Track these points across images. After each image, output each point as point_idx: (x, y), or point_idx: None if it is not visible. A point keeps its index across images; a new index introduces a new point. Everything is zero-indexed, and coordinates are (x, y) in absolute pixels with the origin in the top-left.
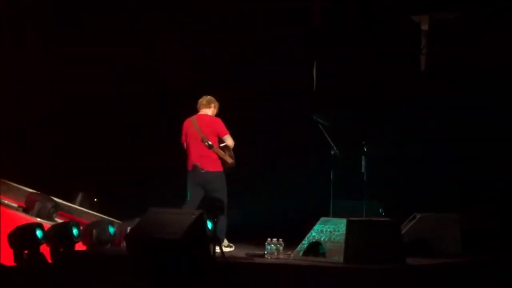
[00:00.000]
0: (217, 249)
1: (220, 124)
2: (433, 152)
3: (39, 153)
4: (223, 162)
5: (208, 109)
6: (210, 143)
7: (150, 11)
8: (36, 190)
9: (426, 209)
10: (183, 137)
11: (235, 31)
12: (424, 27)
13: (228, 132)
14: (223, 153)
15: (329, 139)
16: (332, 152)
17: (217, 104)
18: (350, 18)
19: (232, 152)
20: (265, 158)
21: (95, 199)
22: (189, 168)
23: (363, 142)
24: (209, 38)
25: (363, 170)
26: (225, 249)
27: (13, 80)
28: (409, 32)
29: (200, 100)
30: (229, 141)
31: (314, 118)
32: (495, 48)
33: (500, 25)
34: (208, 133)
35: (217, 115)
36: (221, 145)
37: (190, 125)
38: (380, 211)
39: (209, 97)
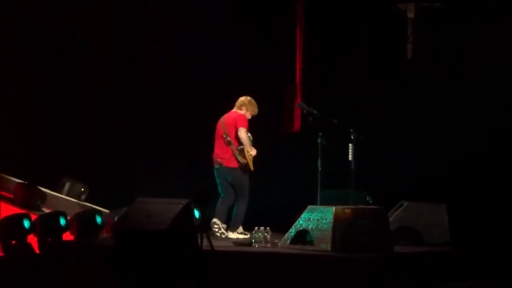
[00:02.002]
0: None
1: (240, 118)
2: (420, 139)
3: (26, 141)
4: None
5: (239, 110)
6: (229, 139)
7: None
8: (23, 180)
9: (413, 198)
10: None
11: None
12: (410, 15)
13: (244, 126)
14: (237, 152)
15: (315, 127)
16: (318, 140)
17: (250, 107)
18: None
19: (247, 153)
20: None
21: (82, 189)
22: (213, 163)
23: (350, 130)
24: None
25: (350, 158)
26: (239, 236)
27: None
28: (395, 20)
29: (238, 100)
30: (240, 133)
31: (299, 106)
32: (480, 37)
33: (486, 14)
34: (229, 129)
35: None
36: (239, 147)
37: (219, 122)
38: (368, 199)
39: (243, 98)
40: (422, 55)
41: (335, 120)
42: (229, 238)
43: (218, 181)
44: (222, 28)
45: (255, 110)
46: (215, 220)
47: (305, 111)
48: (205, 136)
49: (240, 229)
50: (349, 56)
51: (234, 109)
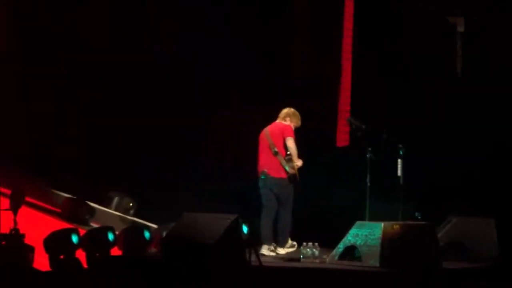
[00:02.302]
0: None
1: (287, 128)
2: (469, 155)
3: (75, 155)
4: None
5: (284, 121)
6: (276, 149)
7: None
8: (72, 195)
9: (462, 213)
10: (258, 145)
11: None
12: (460, 29)
13: (292, 135)
14: (284, 162)
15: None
16: (367, 155)
17: (294, 119)
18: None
19: (294, 163)
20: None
21: (131, 204)
22: (258, 174)
23: (399, 145)
24: None
25: (399, 173)
26: (289, 250)
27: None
28: (445, 34)
29: (282, 111)
30: (289, 142)
31: (349, 120)
32: None
33: None
34: (276, 140)
35: (297, 128)
36: (287, 157)
37: (263, 132)
38: (416, 214)
39: (287, 110)
40: (472, 69)
41: (384, 135)
42: (280, 254)
43: (262, 191)
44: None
45: (298, 122)
46: (263, 251)
47: (354, 126)
48: (250, 150)
49: (289, 241)
50: (399, 71)
51: (278, 120)
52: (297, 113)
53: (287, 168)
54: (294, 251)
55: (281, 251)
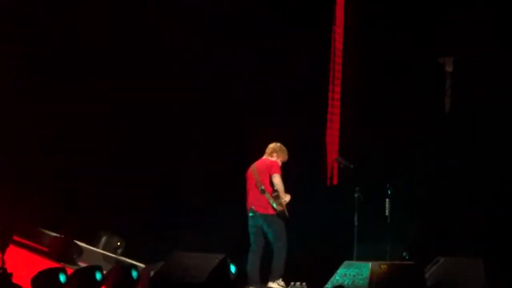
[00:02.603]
0: None
1: (273, 164)
2: (456, 194)
3: (61, 194)
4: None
5: (270, 157)
6: (262, 187)
7: None
8: (59, 234)
9: (450, 253)
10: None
11: None
12: (449, 69)
13: (278, 172)
14: (272, 199)
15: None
16: (355, 194)
17: (281, 154)
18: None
19: (281, 200)
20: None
21: (119, 242)
22: (247, 211)
23: (387, 185)
24: None
25: (387, 213)
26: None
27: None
28: (433, 74)
29: (268, 146)
30: (275, 179)
31: (336, 160)
32: None
33: None
34: (262, 177)
35: (284, 163)
36: (274, 194)
37: (250, 169)
38: (404, 254)
39: (273, 145)
40: (460, 108)
41: (372, 174)
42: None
43: (251, 230)
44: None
45: (285, 156)
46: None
47: (342, 165)
48: (241, 185)
49: (280, 281)
50: (388, 109)
51: (265, 156)
52: (283, 147)
53: (274, 205)
54: None
55: (272, 285)
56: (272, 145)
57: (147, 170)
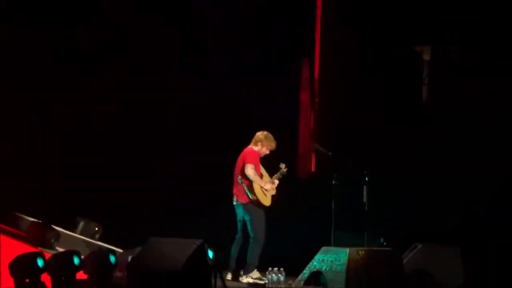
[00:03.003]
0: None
1: (249, 154)
2: (434, 181)
3: (39, 179)
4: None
5: (255, 146)
6: (239, 177)
7: None
8: (37, 219)
9: (427, 240)
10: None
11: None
12: (426, 57)
13: (252, 162)
14: (245, 188)
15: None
16: (333, 182)
17: (267, 143)
18: (352, 50)
19: (256, 189)
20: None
21: (96, 228)
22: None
23: (365, 172)
24: None
25: (364, 200)
26: (252, 281)
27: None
28: (411, 63)
29: (255, 135)
30: (247, 170)
31: (315, 147)
32: (497, 79)
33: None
34: (240, 165)
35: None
36: (250, 182)
37: (238, 158)
38: (382, 241)
39: (259, 134)
40: (437, 97)
41: (349, 161)
42: (241, 282)
43: (237, 218)
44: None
45: (272, 144)
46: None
47: (319, 152)
48: (222, 172)
49: (255, 273)
50: (364, 97)
51: (250, 145)
52: (270, 136)
53: (249, 194)
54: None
55: (244, 279)
56: (258, 134)
57: (127, 154)
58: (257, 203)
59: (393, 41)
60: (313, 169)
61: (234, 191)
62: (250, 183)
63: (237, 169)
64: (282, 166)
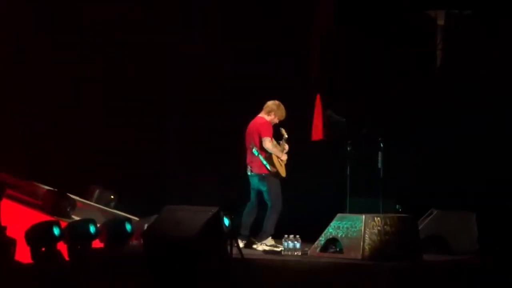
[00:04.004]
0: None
1: (263, 126)
2: (449, 147)
3: (56, 148)
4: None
5: (266, 115)
6: (255, 148)
7: None
8: (53, 187)
9: (443, 206)
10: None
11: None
12: (440, 22)
13: (268, 135)
14: (263, 161)
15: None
16: (348, 148)
17: (279, 112)
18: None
19: (274, 160)
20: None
21: (112, 196)
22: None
23: (379, 138)
24: None
25: (379, 166)
26: (266, 248)
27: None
28: (424, 27)
29: (266, 103)
30: (265, 143)
31: (329, 113)
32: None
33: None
34: (254, 137)
35: (282, 122)
36: (267, 155)
37: (248, 128)
38: (397, 207)
39: (271, 103)
40: (451, 62)
41: (364, 128)
42: (256, 249)
43: (251, 187)
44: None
45: (283, 115)
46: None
47: (333, 119)
48: (233, 140)
49: (270, 240)
50: (378, 63)
51: (262, 114)
52: (281, 106)
53: (268, 166)
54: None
55: (259, 246)
56: (270, 103)
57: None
58: (275, 174)
59: (407, 6)
60: (327, 135)
61: (248, 161)
62: (268, 155)
63: (249, 139)
64: (283, 131)
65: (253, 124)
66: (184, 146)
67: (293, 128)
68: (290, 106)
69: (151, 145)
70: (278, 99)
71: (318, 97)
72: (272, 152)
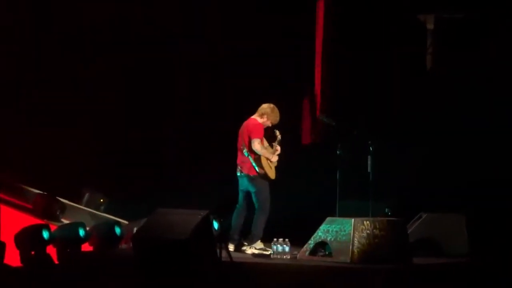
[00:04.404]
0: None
1: (255, 127)
2: (438, 151)
3: (45, 152)
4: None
5: (259, 117)
6: (245, 149)
7: None
8: (43, 191)
9: (432, 209)
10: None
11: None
12: (430, 26)
13: (258, 136)
14: (252, 162)
15: (334, 138)
16: (338, 152)
17: (272, 116)
18: (356, 19)
19: (264, 162)
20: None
21: (102, 199)
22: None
23: (369, 142)
24: None
25: (369, 170)
26: (256, 252)
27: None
28: (415, 31)
29: (261, 106)
30: (254, 145)
31: (320, 118)
32: (498, 49)
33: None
34: (245, 138)
35: (275, 126)
36: (255, 156)
37: (240, 128)
38: (386, 210)
39: (266, 106)
40: (441, 66)
41: (354, 131)
42: (245, 253)
43: (240, 188)
44: (240, 33)
45: (276, 119)
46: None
47: (324, 122)
48: (223, 145)
49: (259, 244)
50: (369, 67)
51: (255, 116)
52: (276, 109)
53: (256, 168)
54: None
55: (248, 250)
56: (265, 106)
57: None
58: (264, 176)
59: (397, 10)
60: (318, 138)
61: (238, 161)
62: (257, 157)
63: (240, 140)
64: (277, 133)
65: (245, 125)
66: (174, 149)
67: (285, 131)
68: (284, 109)
69: (141, 148)
70: (272, 101)
71: (305, 101)
72: (261, 154)
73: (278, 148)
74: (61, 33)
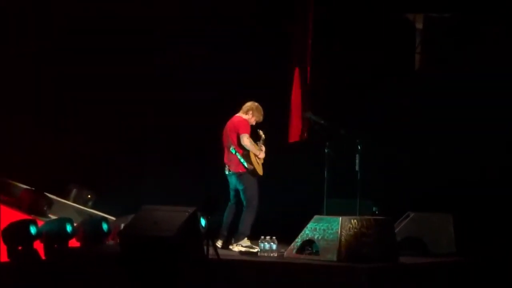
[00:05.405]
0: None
1: (242, 123)
2: (426, 150)
3: (32, 147)
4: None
5: (244, 114)
6: (232, 146)
7: None
8: (30, 186)
9: (420, 208)
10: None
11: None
12: (419, 25)
13: (246, 132)
14: (242, 159)
15: (322, 136)
16: (325, 150)
17: (257, 113)
18: (344, 19)
19: (252, 159)
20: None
21: (89, 195)
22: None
23: (357, 141)
24: None
25: (357, 168)
26: (243, 249)
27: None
28: (403, 31)
29: (245, 104)
30: (243, 140)
31: (308, 116)
32: (488, 48)
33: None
34: (232, 136)
35: (260, 124)
36: (244, 152)
37: (225, 127)
38: (374, 209)
39: (250, 104)
40: (430, 65)
41: (342, 130)
42: (232, 250)
43: (230, 187)
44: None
45: (260, 117)
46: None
47: (312, 121)
48: (212, 141)
49: (246, 241)
50: (358, 66)
51: (239, 113)
52: (260, 107)
53: (245, 164)
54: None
55: (235, 247)
56: (249, 104)
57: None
58: (252, 172)
59: (386, 9)
60: (305, 136)
61: (225, 160)
62: (245, 153)
63: (226, 138)
64: (261, 132)
65: (231, 122)
66: (161, 145)
67: (271, 129)
68: (268, 107)
69: (128, 144)
70: (256, 99)
71: (292, 98)
72: (250, 149)
73: (263, 148)
74: (51, 33)
